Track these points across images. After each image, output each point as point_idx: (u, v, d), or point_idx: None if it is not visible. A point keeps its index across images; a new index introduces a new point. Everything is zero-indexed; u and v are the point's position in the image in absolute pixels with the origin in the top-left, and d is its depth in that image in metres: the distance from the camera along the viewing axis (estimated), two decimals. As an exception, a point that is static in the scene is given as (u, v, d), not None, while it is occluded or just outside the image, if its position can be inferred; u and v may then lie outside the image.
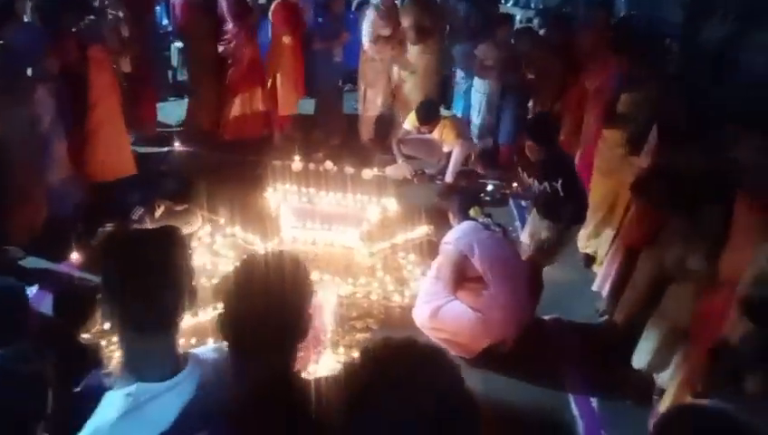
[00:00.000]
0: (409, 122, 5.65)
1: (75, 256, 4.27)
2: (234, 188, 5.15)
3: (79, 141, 4.96)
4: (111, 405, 1.30)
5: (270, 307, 1.41)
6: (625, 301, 3.58)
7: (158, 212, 4.18)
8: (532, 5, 9.54)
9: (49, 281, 4.08)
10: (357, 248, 4.71)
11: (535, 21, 8.03)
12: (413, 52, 6.23)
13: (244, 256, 1.53)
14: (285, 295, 1.44)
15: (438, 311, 3.64)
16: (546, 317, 4.03)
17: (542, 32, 6.57)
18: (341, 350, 3.64)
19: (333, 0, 6.25)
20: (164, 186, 4.18)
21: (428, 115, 5.48)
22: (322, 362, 3.50)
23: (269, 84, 6.38)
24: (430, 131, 5.59)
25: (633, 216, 3.72)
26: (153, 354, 1.36)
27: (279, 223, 4.94)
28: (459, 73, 6.38)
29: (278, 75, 6.31)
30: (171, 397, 1.35)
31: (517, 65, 5.84)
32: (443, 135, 5.60)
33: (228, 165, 5.93)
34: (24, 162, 4.37)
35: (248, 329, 1.41)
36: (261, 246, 4.64)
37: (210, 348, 1.61)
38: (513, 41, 6.04)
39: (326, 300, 4.05)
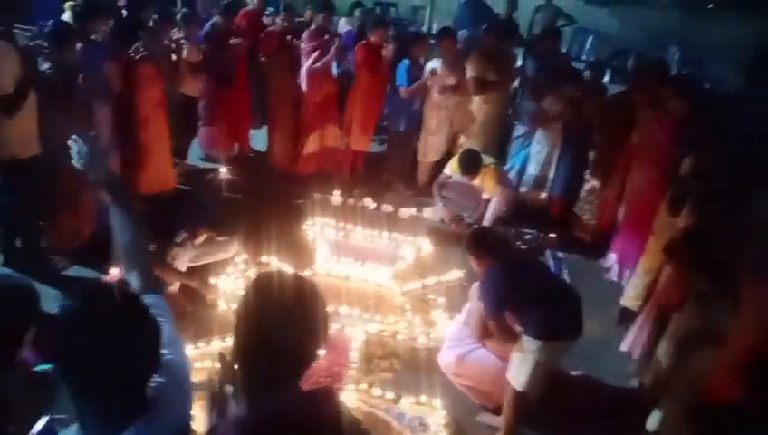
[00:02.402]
0: (450, 168, 5.70)
1: (115, 271, 4.42)
2: (275, 218, 5.26)
3: (129, 156, 5.21)
4: None
5: (283, 326, 1.38)
6: (654, 364, 3.49)
7: (200, 239, 4.30)
8: (584, 57, 9.59)
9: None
10: (388, 286, 4.74)
11: (586, 73, 8.06)
12: (475, 101, 6.33)
13: (257, 277, 1.50)
14: (297, 315, 1.41)
15: (464, 358, 3.61)
16: (574, 373, 3.95)
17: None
18: (364, 387, 3.65)
19: (415, 45, 6.38)
20: (208, 214, 4.31)
21: (471, 165, 5.51)
22: (344, 398, 3.52)
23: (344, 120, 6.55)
24: (471, 180, 5.62)
25: (668, 277, 3.65)
26: (108, 410, 1.29)
27: (314, 255, 5.03)
28: (520, 128, 6.38)
29: (354, 112, 6.44)
30: None
31: (582, 119, 5.81)
32: (484, 182, 5.62)
33: (272, 194, 6.09)
34: (81, 175, 4.59)
35: (259, 350, 1.40)
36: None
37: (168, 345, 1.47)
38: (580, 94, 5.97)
39: (353, 336, 4.09)
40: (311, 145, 6.46)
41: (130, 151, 5.21)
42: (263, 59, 6.36)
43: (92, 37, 5.03)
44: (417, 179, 6.65)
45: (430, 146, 6.46)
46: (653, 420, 3.17)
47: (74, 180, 4.59)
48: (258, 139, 7.06)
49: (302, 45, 6.24)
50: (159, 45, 5.48)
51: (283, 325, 1.38)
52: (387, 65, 6.41)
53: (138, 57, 5.02)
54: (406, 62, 6.25)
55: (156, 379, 1.42)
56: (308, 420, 1.37)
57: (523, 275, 3.32)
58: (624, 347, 4.04)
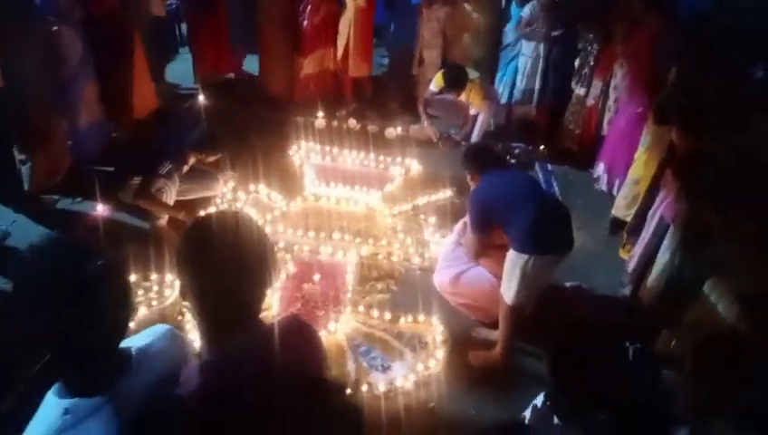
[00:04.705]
0: (435, 84, 5.54)
1: (101, 208, 4.34)
2: (258, 145, 5.16)
3: (122, 84, 5.13)
4: (49, 418, 1.24)
5: (232, 263, 1.31)
6: (653, 285, 3.50)
7: (186, 167, 4.19)
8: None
9: (83, 226, 4.23)
10: (379, 209, 4.72)
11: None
12: (465, 11, 6.04)
13: (195, 219, 1.41)
14: (244, 248, 1.33)
15: (459, 277, 3.66)
16: (567, 284, 4.01)
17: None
18: (361, 309, 3.69)
19: None
20: (194, 137, 4.17)
21: (456, 80, 5.37)
22: (342, 321, 3.57)
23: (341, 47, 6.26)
24: (458, 96, 5.49)
25: (673, 194, 3.55)
26: (92, 368, 1.28)
27: (302, 181, 4.96)
28: (509, 35, 6.13)
29: (350, 37, 6.13)
30: (113, 408, 1.26)
31: (565, 24, 5.62)
32: (470, 97, 5.50)
33: (253, 120, 5.92)
34: (45, 106, 4.39)
35: (213, 290, 1.32)
36: (283, 203, 4.67)
37: (155, 336, 1.47)
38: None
39: (347, 260, 4.09)
40: (308, 68, 6.23)
41: (123, 81, 5.12)
42: None
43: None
44: (418, 96, 6.32)
45: (427, 60, 6.22)
46: (660, 342, 3.23)
47: (44, 116, 4.42)
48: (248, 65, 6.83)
49: None
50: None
51: (228, 265, 1.31)
52: None
53: None
54: None
55: (139, 343, 1.40)
56: (271, 356, 1.33)
57: (508, 190, 3.29)
58: (630, 268, 4.00)
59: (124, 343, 1.37)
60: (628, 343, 2.22)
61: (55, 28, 4.36)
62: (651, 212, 3.74)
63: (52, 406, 1.25)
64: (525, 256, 3.10)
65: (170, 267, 3.72)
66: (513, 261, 3.15)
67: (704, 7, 4.96)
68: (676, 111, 3.50)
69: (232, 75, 6.72)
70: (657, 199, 3.69)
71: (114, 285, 1.28)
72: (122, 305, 1.31)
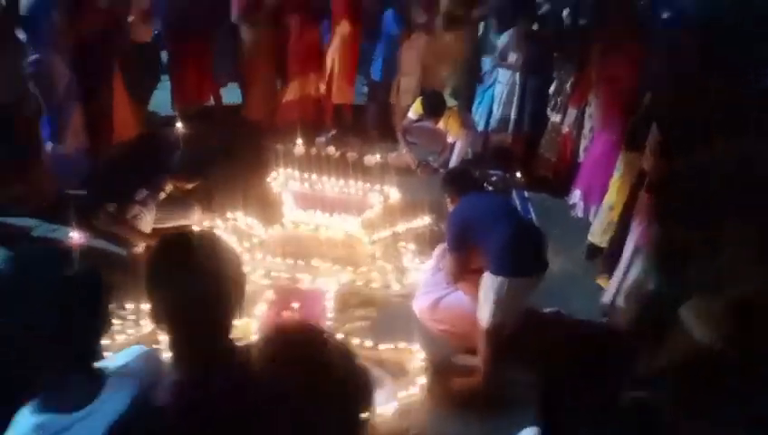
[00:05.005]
0: (414, 111, 5.61)
1: (77, 235, 4.26)
2: (237, 172, 5.14)
3: (101, 109, 5.04)
4: (21, 431, 1.24)
5: (201, 282, 1.33)
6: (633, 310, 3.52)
7: (163, 194, 4.16)
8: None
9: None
10: (358, 236, 4.71)
11: (545, 6, 7.88)
12: (445, 40, 6.09)
13: (158, 241, 1.45)
14: (212, 267, 1.36)
15: (438, 302, 3.66)
16: (546, 310, 4.03)
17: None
18: (341, 336, 3.65)
19: None
20: (171, 164, 4.14)
21: (435, 107, 5.44)
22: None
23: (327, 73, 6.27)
24: (436, 123, 5.56)
25: (648, 220, 3.55)
26: (66, 386, 1.30)
27: (281, 208, 4.95)
28: (486, 63, 6.23)
29: (335, 63, 6.18)
30: (85, 427, 1.26)
31: (541, 53, 5.72)
32: (448, 125, 5.57)
33: (232, 148, 5.88)
34: (30, 131, 4.34)
35: (186, 306, 1.34)
36: (262, 231, 4.65)
37: (130, 357, 1.48)
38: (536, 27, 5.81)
39: (327, 287, 4.07)
40: (290, 94, 6.24)
41: (104, 106, 5.06)
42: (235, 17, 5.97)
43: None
44: (395, 124, 6.30)
45: (403, 88, 6.23)
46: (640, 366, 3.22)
47: (23, 145, 4.36)
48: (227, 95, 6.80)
49: None
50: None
51: (196, 283, 1.33)
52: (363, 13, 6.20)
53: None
54: (390, 10, 6.05)
55: (115, 363, 1.42)
56: (243, 372, 1.33)
57: (486, 210, 3.37)
58: (606, 299, 4.01)
59: (100, 364, 1.37)
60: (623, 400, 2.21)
61: (36, 56, 4.32)
62: (627, 243, 3.79)
63: (24, 422, 1.24)
64: (499, 279, 3.14)
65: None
66: (488, 283, 3.20)
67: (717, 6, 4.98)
68: (648, 133, 3.57)
69: (212, 103, 6.69)
70: (631, 229, 3.74)
71: (87, 292, 1.32)
72: (95, 314, 1.34)
